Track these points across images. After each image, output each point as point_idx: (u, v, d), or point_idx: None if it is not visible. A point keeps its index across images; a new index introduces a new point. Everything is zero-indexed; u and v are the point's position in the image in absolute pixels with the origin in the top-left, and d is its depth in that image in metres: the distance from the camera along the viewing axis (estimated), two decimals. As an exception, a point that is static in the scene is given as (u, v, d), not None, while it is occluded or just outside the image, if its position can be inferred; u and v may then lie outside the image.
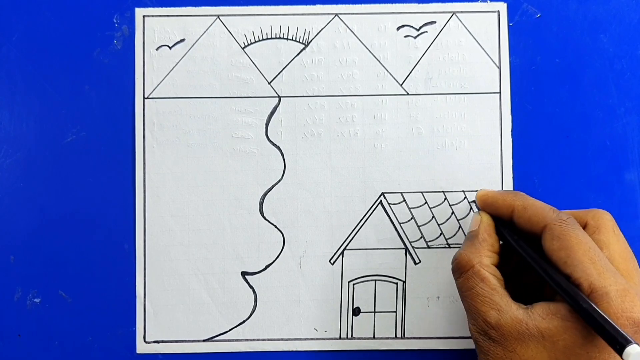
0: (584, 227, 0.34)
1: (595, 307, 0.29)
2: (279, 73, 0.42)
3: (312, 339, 0.41)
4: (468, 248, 0.35)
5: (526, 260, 0.33)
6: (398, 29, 0.43)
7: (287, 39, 0.42)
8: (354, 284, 0.42)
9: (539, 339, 0.30)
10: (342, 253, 0.42)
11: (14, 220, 0.42)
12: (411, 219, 0.42)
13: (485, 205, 0.37)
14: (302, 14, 0.42)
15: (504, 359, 0.31)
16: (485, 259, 0.34)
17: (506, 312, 0.31)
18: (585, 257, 0.31)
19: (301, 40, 0.42)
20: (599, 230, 0.33)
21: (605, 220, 0.34)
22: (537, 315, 0.31)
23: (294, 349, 0.41)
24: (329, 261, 0.42)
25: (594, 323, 0.29)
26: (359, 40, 0.42)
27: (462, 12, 0.43)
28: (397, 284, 0.42)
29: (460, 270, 0.34)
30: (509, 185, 0.42)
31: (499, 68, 0.42)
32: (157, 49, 0.42)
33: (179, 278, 0.42)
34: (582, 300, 0.29)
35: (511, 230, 0.35)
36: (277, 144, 0.42)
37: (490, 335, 0.32)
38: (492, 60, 0.42)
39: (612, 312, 0.29)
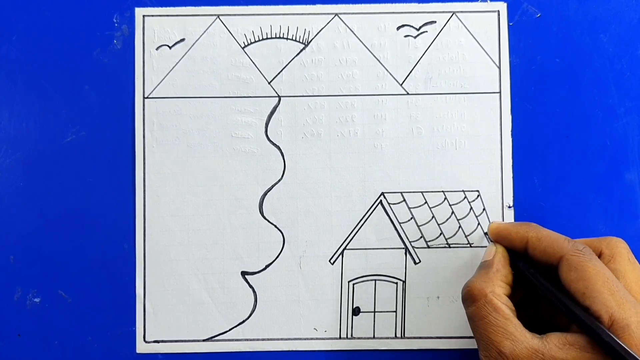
0: (599, 256, 0.34)
1: (617, 340, 0.29)
2: (278, 73, 0.42)
3: (312, 338, 0.41)
4: (480, 277, 0.35)
5: (543, 292, 0.33)
6: (398, 28, 0.43)
7: (287, 38, 0.42)
8: (353, 284, 0.42)
9: None
10: (342, 253, 0.42)
11: (14, 220, 0.42)
12: (411, 218, 0.42)
13: (499, 237, 0.36)
14: (302, 14, 0.42)
15: None
16: (498, 289, 0.34)
17: (521, 342, 0.31)
18: (604, 288, 0.30)
19: (301, 40, 0.42)
20: (614, 259, 0.33)
21: (620, 248, 0.34)
22: (553, 345, 0.30)
23: (294, 349, 0.41)
24: (329, 261, 0.42)
25: (616, 356, 0.28)
26: (359, 40, 0.42)
27: (462, 11, 0.43)
28: (397, 283, 0.42)
29: (472, 299, 0.34)
30: (509, 185, 0.42)
31: (499, 68, 0.42)
32: (157, 49, 0.42)
33: (179, 278, 0.42)
34: (603, 333, 0.29)
35: (525, 261, 0.35)
36: (277, 144, 0.42)
37: None
38: (492, 60, 0.42)
39: (634, 343, 0.29)
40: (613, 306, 0.30)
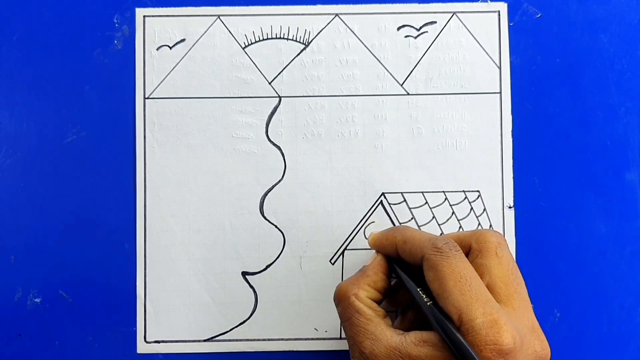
0: (469, 250, 0.34)
1: (461, 339, 0.29)
2: (279, 73, 0.42)
3: (312, 339, 0.41)
4: (349, 280, 0.35)
5: (411, 293, 0.33)
6: (398, 29, 0.43)
7: (287, 39, 0.42)
8: (354, 284, 0.42)
9: None
10: (342, 253, 0.42)
11: (14, 220, 0.42)
12: (411, 219, 0.42)
13: (376, 247, 0.37)
14: (303, 14, 0.42)
15: None
16: (362, 292, 0.34)
17: (381, 341, 0.32)
18: (456, 289, 0.30)
19: (301, 40, 0.42)
20: (482, 253, 0.33)
21: (488, 242, 0.33)
22: (410, 342, 0.31)
23: (295, 349, 0.41)
24: (330, 261, 0.42)
25: (461, 354, 0.29)
26: (360, 40, 0.42)
27: (462, 12, 0.43)
28: (397, 284, 0.42)
29: (338, 300, 0.35)
30: (509, 185, 0.42)
31: (500, 68, 0.42)
32: (157, 49, 0.42)
33: (179, 278, 0.42)
34: (449, 331, 0.30)
35: (403, 266, 0.35)
36: (278, 144, 0.42)
37: None
38: (493, 60, 0.42)
39: (478, 343, 0.29)
40: (462, 307, 0.30)
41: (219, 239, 0.42)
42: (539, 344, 0.31)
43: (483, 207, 0.42)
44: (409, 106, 0.42)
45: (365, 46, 0.42)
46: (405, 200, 0.42)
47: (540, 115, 0.42)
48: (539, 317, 0.41)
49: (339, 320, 0.42)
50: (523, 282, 0.33)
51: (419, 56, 0.42)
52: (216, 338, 0.41)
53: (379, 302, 0.35)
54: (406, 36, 0.43)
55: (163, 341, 0.41)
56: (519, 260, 0.42)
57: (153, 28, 0.42)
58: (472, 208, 0.42)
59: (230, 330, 0.41)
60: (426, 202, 0.42)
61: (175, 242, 0.42)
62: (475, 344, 0.29)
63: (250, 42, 0.42)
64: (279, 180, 0.42)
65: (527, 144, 0.42)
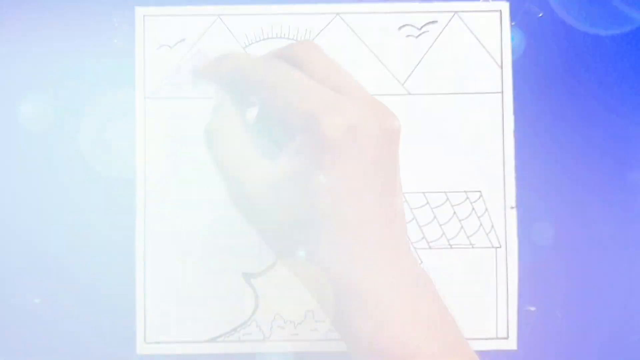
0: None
1: None
2: (280, 73, 0.42)
3: (313, 340, 0.41)
4: None
5: None
6: (399, 28, 0.42)
7: (288, 38, 0.42)
8: (355, 285, 0.42)
9: None
10: (343, 253, 0.42)
11: (13, 220, 0.41)
12: (412, 219, 0.42)
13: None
14: (303, 14, 0.42)
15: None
16: None
17: None
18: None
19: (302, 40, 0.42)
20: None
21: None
22: None
23: (295, 350, 0.41)
24: (330, 261, 0.42)
25: None
26: (360, 39, 0.42)
27: (464, 11, 0.42)
28: (398, 284, 0.41)
29: None
30: (510, 185, 0.42)
31: (501, 68, 0.42)
32: (157, 49, 0.42)
33: (179, 279, 0.42)
34: None
35: None
36: (278, 144, 0.42)
37: None
38: (494, 60, 0.42)
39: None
40: None
41: (220, 240, 0.42)
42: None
43: (485, 208, 0.42)
44: (410, 106, 0.42)
45: (366, 46, 0.42)
46: (406, 200, 0.42)
47: (542, 115, 0.42)
48: (539, 317, 0.41)
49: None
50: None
51: (420, 56, 0.42)
52: (217, 339, 0.41)
53: None
54: (407, 36, 0.42)
55: (163, 342, 0.41)
56: (521, 260, 0.42)
57: (153, 27, 0.42)
58: (473, 208, 0.42)
59: (231, 331, 0.41)
60: (427, 203, 0.42)
61: (176, 243, 0.42)
62: None
63: (251, 42, 0.42)
64: (280, 180, 0.42)
65: (528, 144, 0.42)
